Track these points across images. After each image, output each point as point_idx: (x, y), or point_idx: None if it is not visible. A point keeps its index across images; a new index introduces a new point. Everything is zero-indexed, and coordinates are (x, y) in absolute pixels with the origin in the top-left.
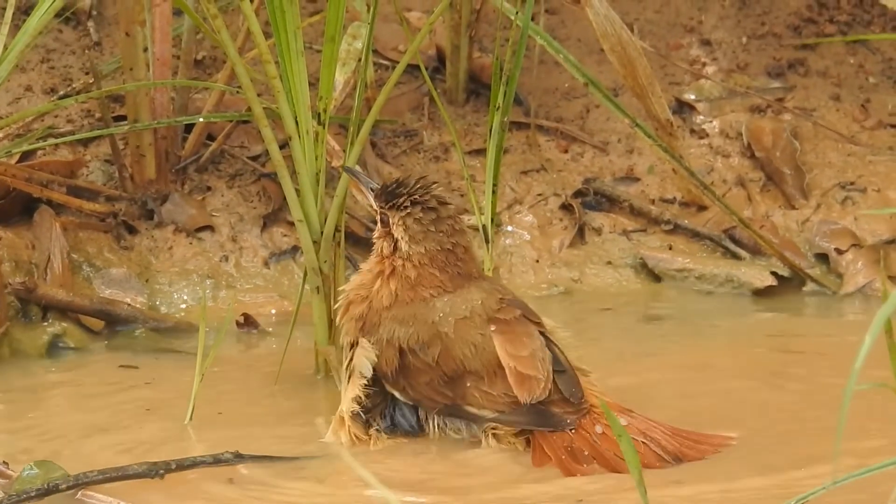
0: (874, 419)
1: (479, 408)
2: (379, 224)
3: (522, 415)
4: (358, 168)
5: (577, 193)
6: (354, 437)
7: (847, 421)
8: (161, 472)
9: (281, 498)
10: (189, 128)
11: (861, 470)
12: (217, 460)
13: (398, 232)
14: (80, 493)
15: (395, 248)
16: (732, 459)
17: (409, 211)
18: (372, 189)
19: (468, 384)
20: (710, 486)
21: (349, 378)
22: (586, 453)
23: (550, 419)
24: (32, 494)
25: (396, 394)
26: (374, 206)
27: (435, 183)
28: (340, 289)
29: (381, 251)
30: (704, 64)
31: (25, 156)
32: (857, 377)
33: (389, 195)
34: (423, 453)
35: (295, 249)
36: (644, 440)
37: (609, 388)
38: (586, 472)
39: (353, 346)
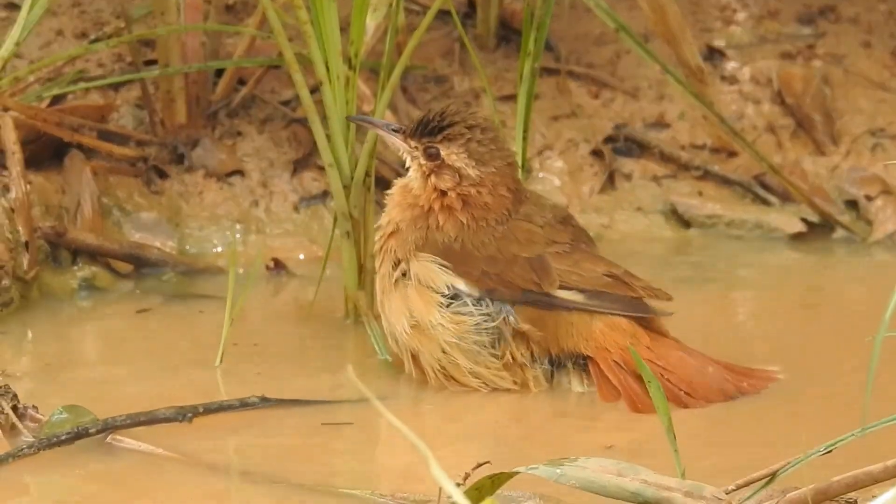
0: None
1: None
2: (425, 161)
3: (617, 300)
4: (363, 115)
5: (608, 139)
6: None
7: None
8: (189, 415)
9: (306, 441)
10: (220, 73)
11: (892, 416)
12: (244, 404)
13: (460, 160)
14: (109, 436)
15: (461, 178)
16: (761, 403)
17: (469, 136)
18: (395, 130)
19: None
20: (737, 433)
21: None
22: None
23: (644, 307)
24: (63, 438)
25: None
26: (411, 145)
27: (465, 105)
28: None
29: (436, 186)
30: (735, 10)
31: (56, 100)
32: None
33: (434, 129)
34: (452, 401)
35: (325, 194)
36: (703, 375)
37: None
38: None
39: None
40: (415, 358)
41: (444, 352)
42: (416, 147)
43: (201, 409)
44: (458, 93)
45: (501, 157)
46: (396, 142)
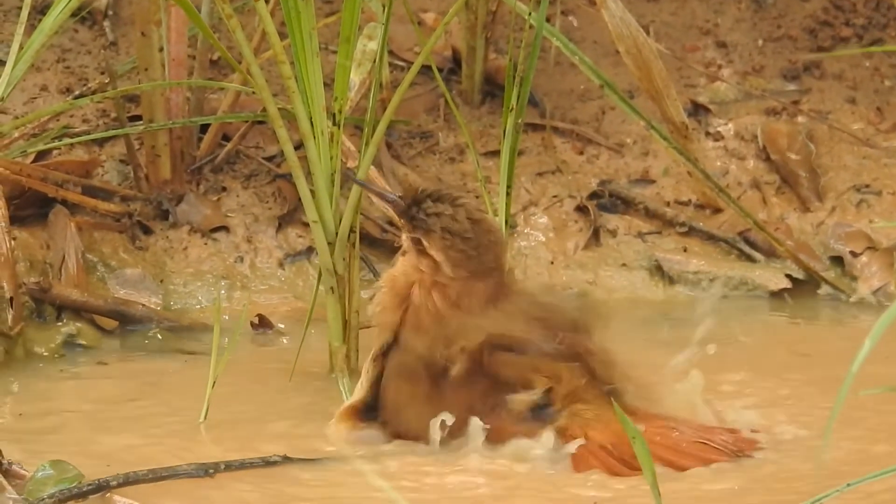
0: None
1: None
2: (409, 242)
3: None
4: (370, 179)
5: (593, 195)
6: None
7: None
8: (211, 471)
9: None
10: (204, 128)
11: (872, 473)
12: (266, 462)
13: (438, 256)
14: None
15: (438, 269)
16: (745, 461)
17: (448, 242)
18: (391, 201)
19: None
20: (720, 491)
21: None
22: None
23: None
24: (77, 492)
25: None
26: (400, 225)
27: (459, 197)
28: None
29: (419, 266)
30: (720, 66)
31: (41, 155)
32: (866, 379)
33: (418, 219)
34: (433, 458)
35: (310, 250)
36: (700, 439)
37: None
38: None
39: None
40: None
41: None
42: (404, 229)
43: (223, 467)
44: (443, 148)
45: (480, 262)
46: (389, 210)
